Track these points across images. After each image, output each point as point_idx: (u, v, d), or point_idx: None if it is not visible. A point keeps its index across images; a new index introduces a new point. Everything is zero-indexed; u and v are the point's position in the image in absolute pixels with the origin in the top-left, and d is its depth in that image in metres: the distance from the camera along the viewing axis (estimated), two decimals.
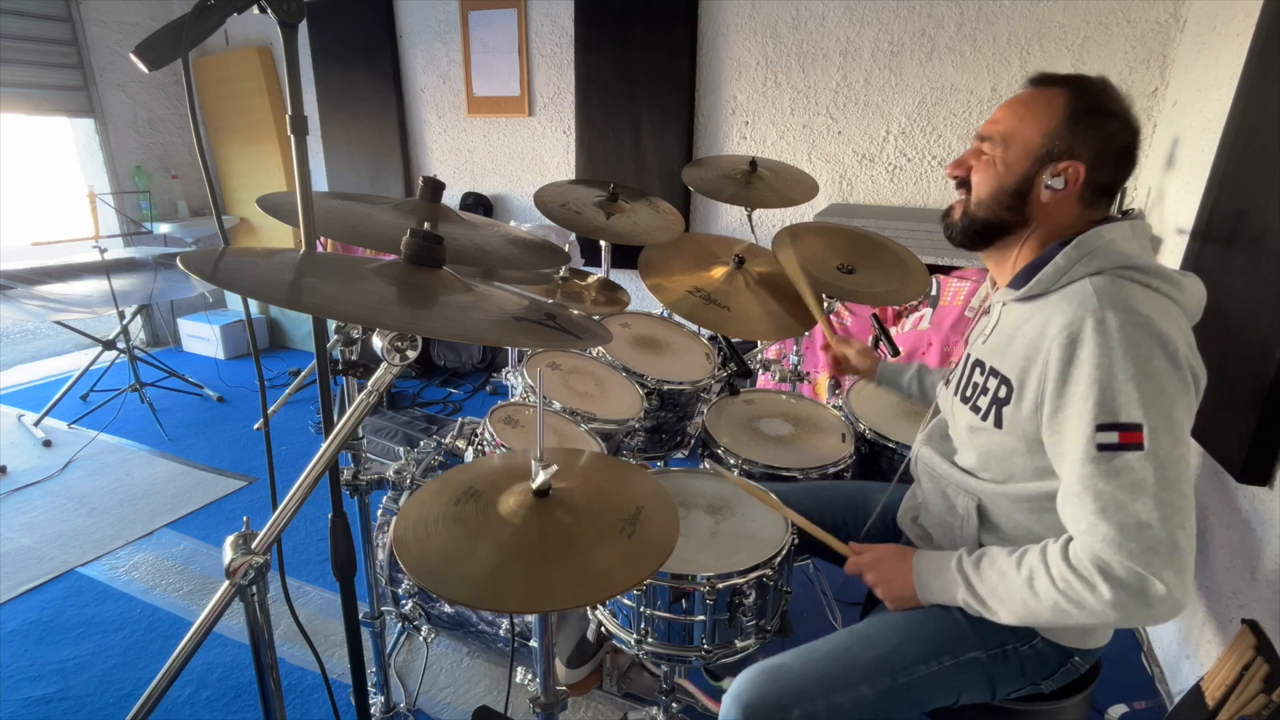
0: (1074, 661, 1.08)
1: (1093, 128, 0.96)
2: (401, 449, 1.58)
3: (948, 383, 1.19)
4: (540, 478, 0.91)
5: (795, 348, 2.11)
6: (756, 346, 2.65)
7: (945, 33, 2.82)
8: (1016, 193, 1.01)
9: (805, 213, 3.06)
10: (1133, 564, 0.84)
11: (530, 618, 1.38)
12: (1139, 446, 0.85)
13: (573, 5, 3.39)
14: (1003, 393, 0.99)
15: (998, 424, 1.00)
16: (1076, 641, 1.06)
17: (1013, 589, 0.95)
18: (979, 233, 1.06)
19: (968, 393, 1.08)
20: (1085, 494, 0.88)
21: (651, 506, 0.96)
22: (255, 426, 3.31)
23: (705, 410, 1.75)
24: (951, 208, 1.10)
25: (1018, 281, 1.02)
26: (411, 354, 0.83)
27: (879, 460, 1.66)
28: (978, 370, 1.07)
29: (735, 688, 1.03)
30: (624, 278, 2.26)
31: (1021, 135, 1.00)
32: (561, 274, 2.01)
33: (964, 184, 1.07)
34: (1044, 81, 1.01)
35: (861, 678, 1.02)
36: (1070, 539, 0.92)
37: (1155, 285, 0.92)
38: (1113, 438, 0.85)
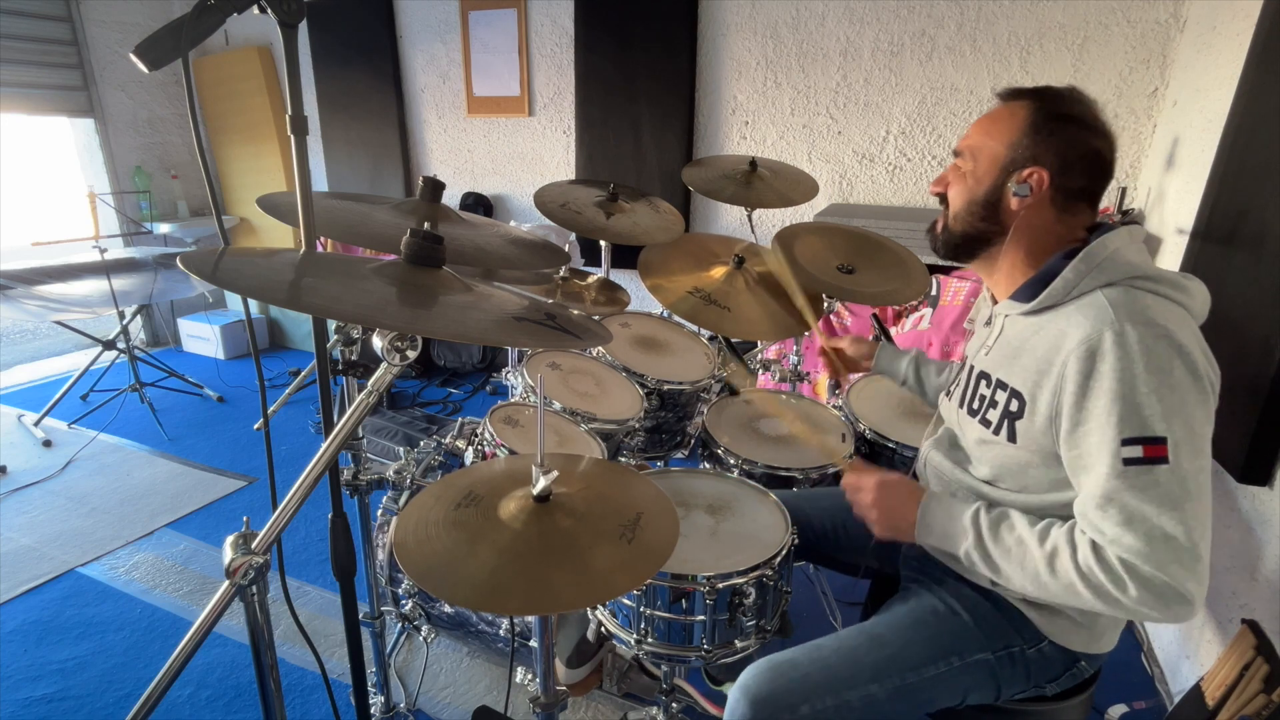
0: (1080, 666, 1.08)
1: (1055, 134, 0.98)
2: (401, 449, 1.58)
3: (949, 395, 1.18)
4: (541, 484, 0.91)
5: (795, 348, 2.11)
6: (756, 346, 2.65)
7: (945, 33, 2.82)
8: (988, 203, 1.03)
9: (805, 213, 3.06)
10: (1159, 573, 0.84)
11: (530, 618, 1.38)
12: (1164, 460, 0.85)
13: (573, 5, 3.39)
14: (1014, 406, 0.99)
15: (1010, 438, 1.00)
16: (1083, 645, 1.06)
17: (1029, 558, 0.94)
18: (958, 245, 1.09)
19: (974, 405, 1.07)
20: (1110, 506, 0.87)
21: (651, 512, 0.96)
22: (255, 426, 3.31)
23: (705, 410, 1.76)
24: (935, 222, 1.13)
25: (1022, 294, 1.01)
26: (411, 354, 0.83)
27: (879, 460, 1.66)
28: (983, 383, 1.06)
29: (743, 681, 1.03)
30: (624, 278, 2.26)
31: (988, 148, 1.03)
32: (561, 274, 2.01)
33: (944, 200, 1.10)
34: (1011, 95, 1.04)
35: (870, 677, 1.02)
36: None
37: (1166, 293, 0.92)
38: (1137, 452, 0.85)
